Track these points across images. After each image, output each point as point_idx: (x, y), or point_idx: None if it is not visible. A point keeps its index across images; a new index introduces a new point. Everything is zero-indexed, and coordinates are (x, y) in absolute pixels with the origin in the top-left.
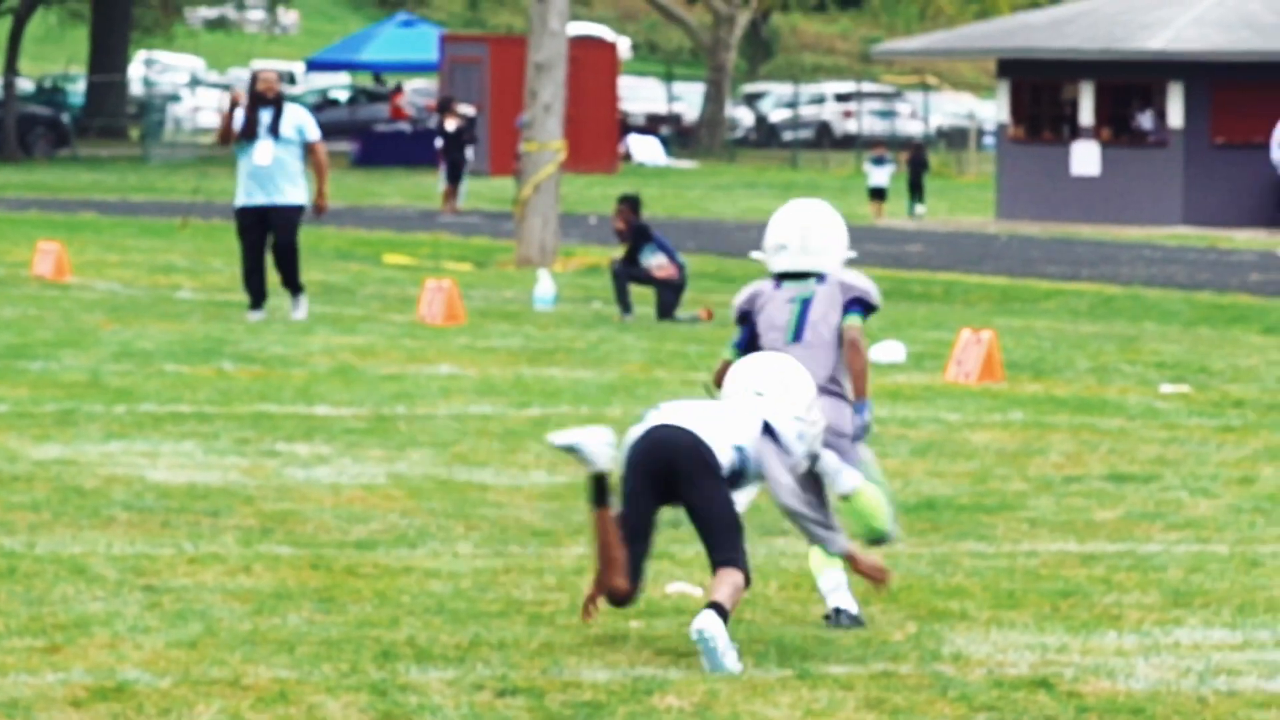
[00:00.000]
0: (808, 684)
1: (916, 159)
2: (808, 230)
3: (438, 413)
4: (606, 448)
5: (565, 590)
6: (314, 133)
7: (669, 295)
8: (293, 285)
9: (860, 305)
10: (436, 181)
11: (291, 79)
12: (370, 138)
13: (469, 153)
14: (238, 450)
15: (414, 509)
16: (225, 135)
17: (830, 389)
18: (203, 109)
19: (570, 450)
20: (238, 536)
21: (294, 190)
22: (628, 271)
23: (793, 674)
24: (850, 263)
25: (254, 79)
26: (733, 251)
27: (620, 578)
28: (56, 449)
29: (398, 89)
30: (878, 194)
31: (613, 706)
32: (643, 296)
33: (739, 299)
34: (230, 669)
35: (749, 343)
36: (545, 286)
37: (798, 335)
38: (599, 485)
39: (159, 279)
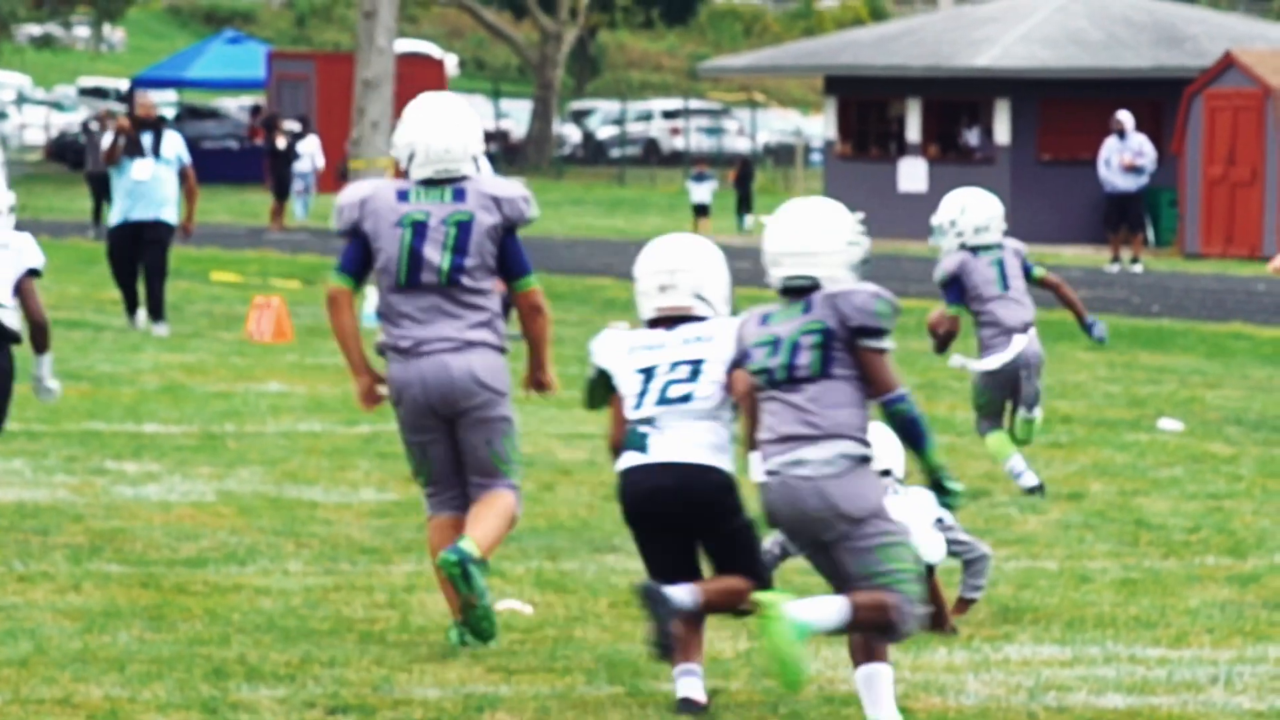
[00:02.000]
0: (638, 701)
1: (744, 174)
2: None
3: (267, 430)
4: None
5: (396, 608)
6: (188, 158)
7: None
8: (157, 309)
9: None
10: (265, 198)
11: (119, 95)
12: (198, 155)
13: (312, 168)
14: (66, 468)
15: (243, 526)
16: (111, 156)
17: None
18: (29, 126)
19: None
20: (67, 554)
21: (169, 210)
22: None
23: (624, 691)
24: None
25: (132, 103)
26: (561, 268)
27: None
28: None
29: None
30: (700, 210)
31: None
32: None
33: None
34: (61, 687)
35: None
36: (374, 303)
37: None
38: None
39: None
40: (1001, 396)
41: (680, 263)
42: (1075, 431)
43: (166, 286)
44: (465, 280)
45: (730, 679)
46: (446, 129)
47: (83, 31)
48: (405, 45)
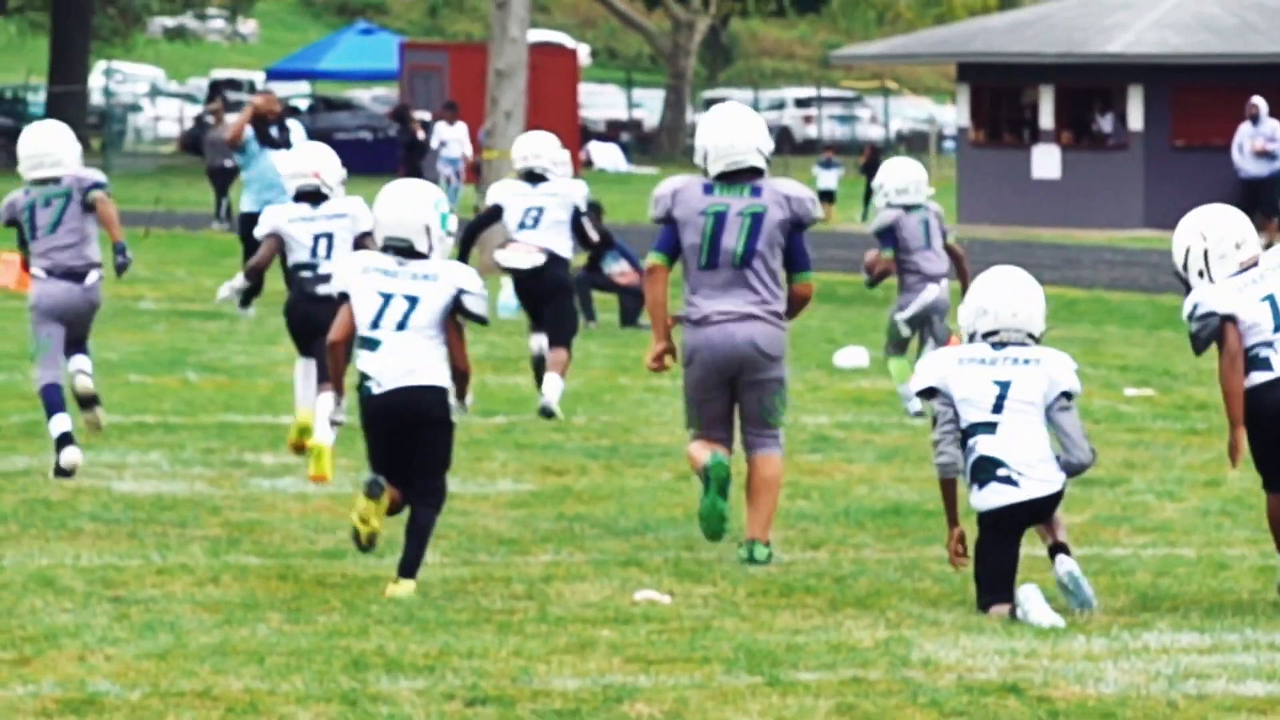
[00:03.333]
0: (778, 691)
1: (871, 162)
2: None
3: None
4: None
5: (534, 598)
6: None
7: (632, 302)
8: None
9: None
10: None
11: (252, 88)
12: (331, 146)
13: (461, 154)
14: (204, 460)
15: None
16: (235, 139)
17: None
18: (163, 119)
19: None
20: (205, 547)
21: None
22: (590, 278)
23: (763, 681)
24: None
25: (260, 98)
26: None
27: None
28: (23, 460)
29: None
30: (826, 196)
31: (583, 714)
32: (606, 303)
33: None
34: (200, 680)
35: None
36: (509, 294)
37: None
38: None
39: (121, 289)
40: (914, 332)
41: None
42: (1212, 418)
43: None
44: (755, 264)
45: (869, 668)
46: (731, 129)
47: (216, 24)
48: (538, 35)
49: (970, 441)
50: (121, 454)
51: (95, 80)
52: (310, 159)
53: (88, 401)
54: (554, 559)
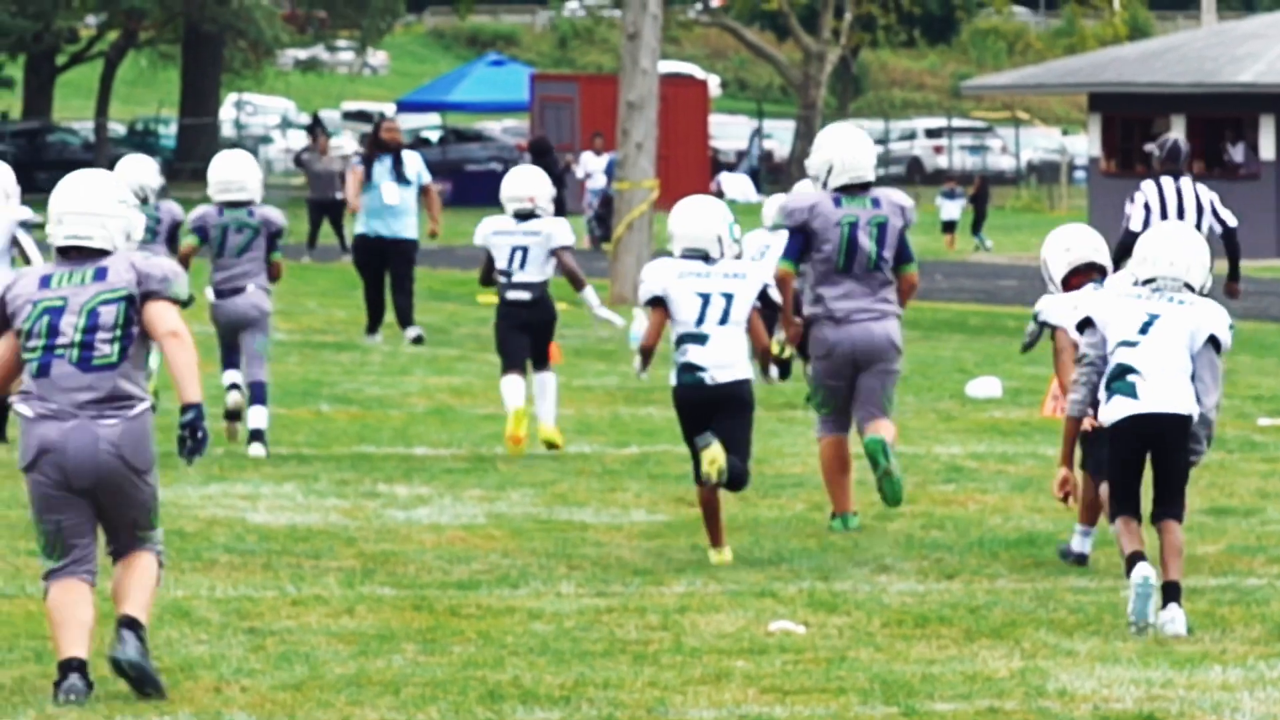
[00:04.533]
0: None
1: (981, 192)
2: None
3: (536, 452)
4: None
5: (669, 629)
6: (428, 177)
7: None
8: (406, 317)
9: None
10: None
11: (382, 119)
12: (462, 177)
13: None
14: (338, 492)
15: (515, 549)
16: (353, 209)
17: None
18: (294, 150)
19: None
20: (340, 578)
21: (410, 227)
22: None
23: (898, 711)
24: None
25: (378, 126)
26: None
27: None
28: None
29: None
30: (948, 227)
31: None
32: None
33: None
34: (336, 711)
35: None
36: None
37: None
38: None
39: None
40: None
41: None
42: None
43: (414, 298)
44: (884, 267)
45: (1004, 698)
46: (855, 147)
47: (346, 55)
48: (668, 66)
49: (1112, 358)
50: (255, 485)
51: (226, 112)
52: (527, 184)
53: (234, 415)
54: (688, 589)
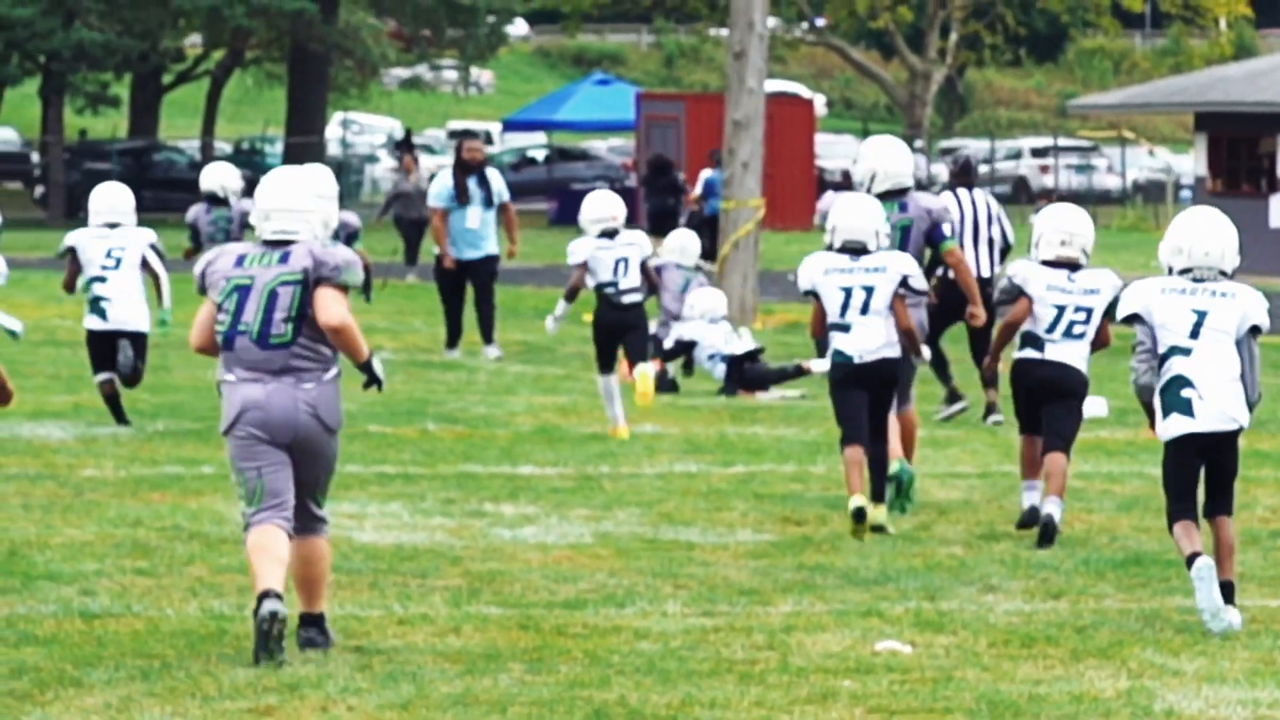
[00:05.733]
0: None
1: None
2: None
3: (642, 471)
4: None
5: (775, 649)
6: (507, 195)
7: None
8: (488, 333)
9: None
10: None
11: (488, 138)
12: (567, 196)
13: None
14: (444, 511)
15: (621, 568)
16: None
17: None
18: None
19: None
20: (446, 597)
21: (491, 245)
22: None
23: None
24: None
25: (460, 147)
26: None
27: None
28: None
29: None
30: None
31: None
32: None
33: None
34: None
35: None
36: (746, 344)
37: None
38: None
39: None
40: None
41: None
42: None
43: (496, 314)
44: None
45: (1111, 718)
46: (898, 156)
47: (451, 74)
48: (774, 85)
49: (1166, 364)
50: (362, 505)
51: (332, 131)
52: (609, 206)
53: None
54: (795, 609)
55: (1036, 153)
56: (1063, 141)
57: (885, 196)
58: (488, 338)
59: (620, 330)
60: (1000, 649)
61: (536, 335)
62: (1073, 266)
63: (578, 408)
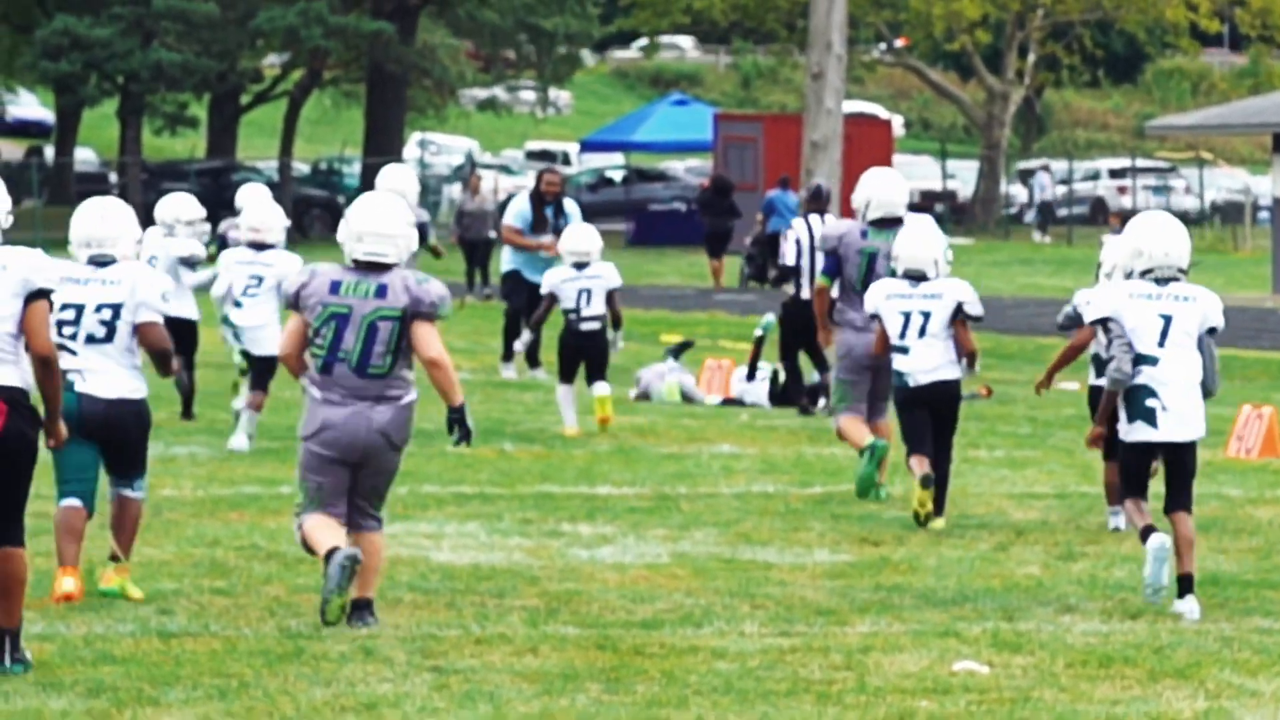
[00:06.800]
0: None
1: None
2: None
3: (720, 491)
4: None
5: (852, 669)
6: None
7: None
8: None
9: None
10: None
11: (566, 159)
12: (645, 217)
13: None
14: (521, 530)
15: (698, 588)
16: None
17: None
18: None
19: None
20: (524, 617)
21: None
22: None
23: None
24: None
25: (540, 178)
26: (1010, 328)
27: None
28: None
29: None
30: None
31: None
32: None
33: None
34: None
35: None
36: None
37: None
38: None
39: None
40: None
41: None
42: None
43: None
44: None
45: None
46: (892, 187)
47: (528, 95)
48: (852, 106)
49: (1135, 369)
50: (439, 524)
51: (410, 151)
52: (584, 240)
53: None
54: (872, 629)
55: (1114, 174)
56: (1140, 163)
57: (879, 225)
58: (507, 356)
59: (580, 353)
60: (1078, 669)
61: (614, 356)
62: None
63: (655, 428)
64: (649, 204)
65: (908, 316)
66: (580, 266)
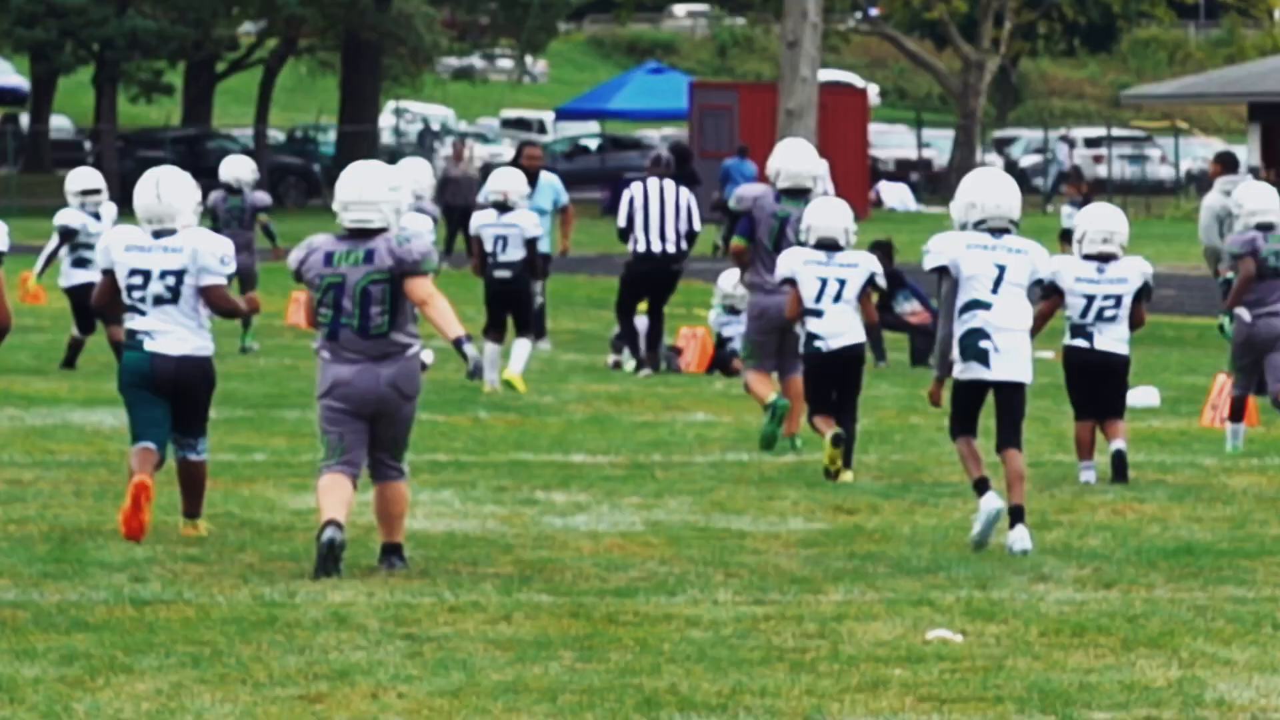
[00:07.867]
0: None
1: (1087, 201)
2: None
3: (694, 460)
4: None
5: (826, 637)
6: (565, 198)
7: (922, 341)
8: (525, 328)
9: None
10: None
11: (541, 127)
12: (620, 185)
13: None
14: (495, 498)
15: (672, 556)
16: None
17: None
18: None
19: None
20: (497, 585)
21: (544, 243)
22: (881, 318)
23: None
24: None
25: (519, 153)
26: None
27: None
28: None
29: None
30: (1066, 236)
31: None
32: (897, 343)
33: None
34: (493, 718)
35: None
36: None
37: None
38: None
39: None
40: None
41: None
42: None
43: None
44: None
45: (1162, 708)
46: (800, 158)
47: (505, 64)
48: (828, 75)
49: (967, 314)
50: (414, 492)
51: (385, 120)
52: (501, 181)
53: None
54: (846, 597)
55: (1090, 143)
56: (1116, 132)
57: (789, 194)
58: (540, 333)
59: (501, 303)
60: (1051, 638)
61: (588, 324)
62: (1105, 259)
63: (629, 396)
64: (624, 172)
65: (824, 282)
66: (501, 209)
